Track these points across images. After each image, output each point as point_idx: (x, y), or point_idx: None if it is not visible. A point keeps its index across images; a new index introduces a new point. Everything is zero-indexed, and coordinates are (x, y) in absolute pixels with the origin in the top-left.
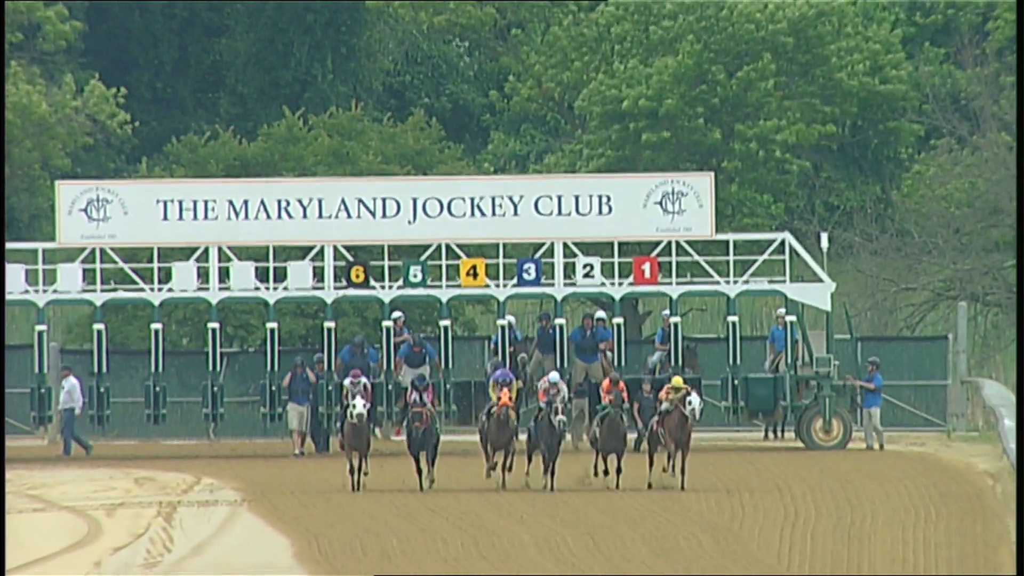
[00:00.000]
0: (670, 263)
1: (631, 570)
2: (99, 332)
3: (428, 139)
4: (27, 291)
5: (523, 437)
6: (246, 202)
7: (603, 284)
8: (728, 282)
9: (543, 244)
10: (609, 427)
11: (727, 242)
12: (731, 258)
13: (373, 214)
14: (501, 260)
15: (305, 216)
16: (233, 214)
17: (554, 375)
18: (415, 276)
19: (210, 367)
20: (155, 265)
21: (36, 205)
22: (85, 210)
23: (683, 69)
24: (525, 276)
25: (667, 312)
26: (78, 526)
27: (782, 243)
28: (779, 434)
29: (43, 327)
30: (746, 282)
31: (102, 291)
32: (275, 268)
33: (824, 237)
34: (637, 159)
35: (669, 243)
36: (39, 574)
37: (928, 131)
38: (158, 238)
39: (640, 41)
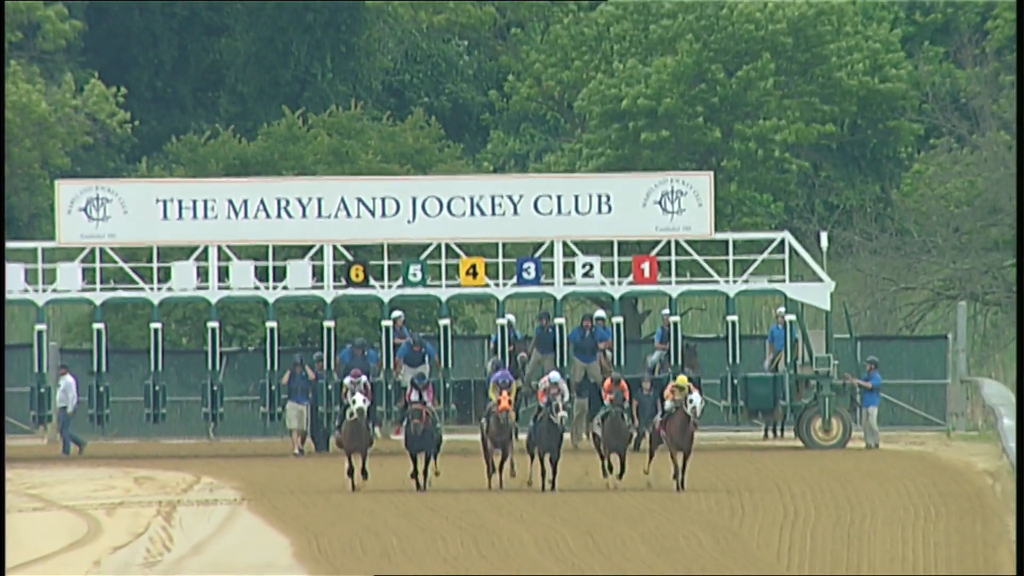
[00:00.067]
0: (669, 262)
1: (631, 569)
2: (99, 331)
3: (428, 138)
4: (27, 290)
5: (523, 436)
6: (246, 201)
7: (602, 283)
8: (727, 281)
9: (542, 243)
10: (612, 426)
11: (727, 241)
12: (731, 257)
13: (373, 213)
14: (501, 259)
15: (304, 215)
16: (233, 213)
17: (555, 375)
18: (414, 275)
19: (209, 366)
20: (155, 264)
21: (36, 204)
22: (85, 209)
23: (683, 68)
24: (525, 275)
25: (667, 311)
26: (78, 525)
27: (781, 242)
28: (779, 433)
29: (43, 326)
30: (745, 281)
31: (102, 290)
32: (274, 267)
33: (823, 236)
34: (636, 158)
35: (668, 242)
36: (39, 573)
37: (927, 130)
38: (158, 237)
39: (640, 40)
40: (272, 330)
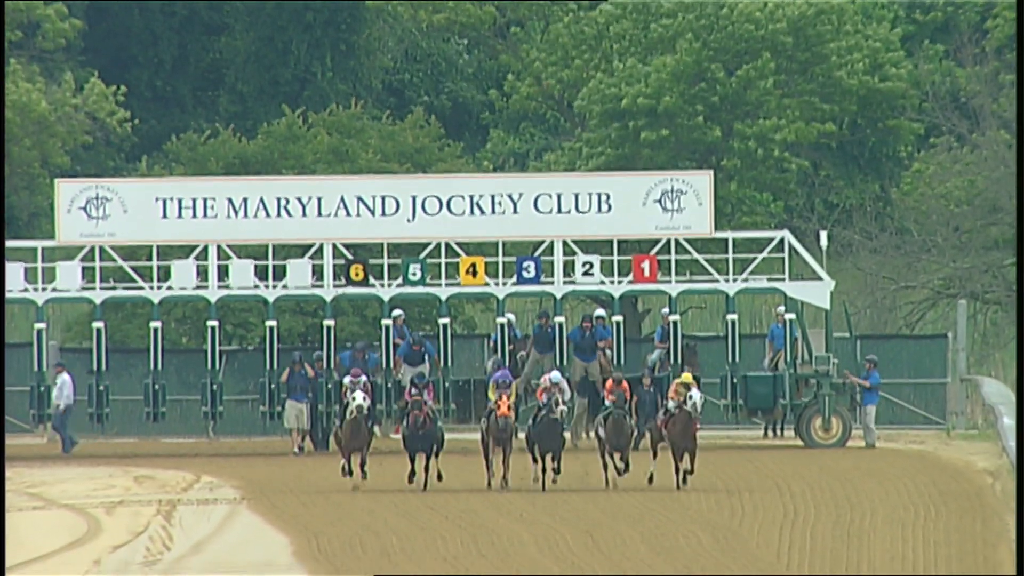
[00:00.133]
0: (669, 261)
1: (630, 568)
2: (98, 330)
3: (427, 137)
4: (26, 289)
5: (522, 435)
6: (245, 200)
7: (602, 282)
8: (727, 280)
9: (542, 242)
10: (615, 426)
11: (726, 240)
12: (730, 256)
13: (372, 212)
14: (500, 258)
15: (304, 214)
16: (232, 212)
17: (555, 374)
18: (414, 274)
19: (209, 365)
20: (154, 263)
21: (35, 203)
22: (84, 208)
23: (682, 67)
24: (524, 274)
25: (666, 310)
26: (77, 524)
27: (781, 241)
28: (778, 432)
29: (42, 325)
30: (745, 280)
31: (101, 289)
32: (274, 266)
33: (823, 235)
34: (636, 157)
35: (668, 241)
36: (39, 572)
37: (927, 129)
38: (157, 236)
39: (640, 39)
40: (272, 329)
